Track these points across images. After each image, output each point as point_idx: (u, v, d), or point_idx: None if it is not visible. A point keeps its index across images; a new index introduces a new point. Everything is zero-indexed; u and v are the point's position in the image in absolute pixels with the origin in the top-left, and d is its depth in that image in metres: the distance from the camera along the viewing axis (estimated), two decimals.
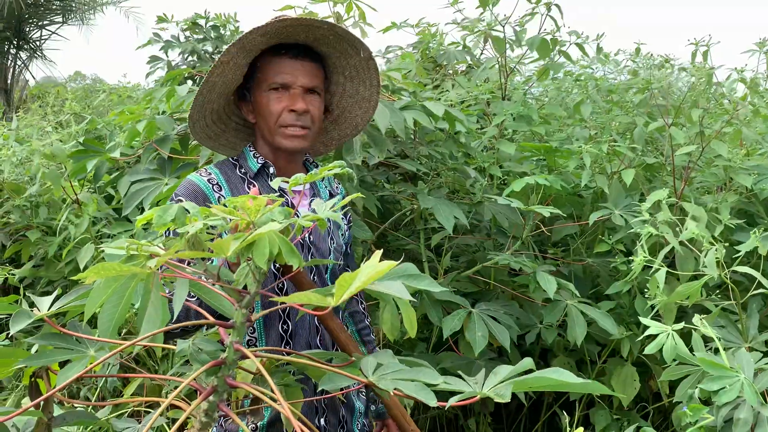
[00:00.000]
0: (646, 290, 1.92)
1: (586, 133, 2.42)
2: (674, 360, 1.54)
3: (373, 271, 0.77)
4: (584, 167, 2.28)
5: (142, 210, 2.37)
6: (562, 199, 2.53)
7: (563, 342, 2.53)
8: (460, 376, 0.99)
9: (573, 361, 2.55)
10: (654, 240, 2.01)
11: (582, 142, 2.34)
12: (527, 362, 0.94)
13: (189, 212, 0.84)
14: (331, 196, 1.73)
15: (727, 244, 2.08)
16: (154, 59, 4.86)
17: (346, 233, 1.76)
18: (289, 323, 1.57)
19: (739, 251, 1.79)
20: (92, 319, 1.05)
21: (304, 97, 1.55)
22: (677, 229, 1.91)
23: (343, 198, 1.71)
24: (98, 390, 2.57)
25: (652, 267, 2.17)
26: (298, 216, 1.62)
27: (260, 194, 0.95)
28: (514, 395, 2.73)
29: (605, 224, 2.51)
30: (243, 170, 1.61)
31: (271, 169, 1.60)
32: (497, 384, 0.92)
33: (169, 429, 1.20)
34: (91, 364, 1.10)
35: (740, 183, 2.10)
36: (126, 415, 2.58)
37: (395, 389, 0.93)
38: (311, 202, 1.64)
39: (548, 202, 2.45)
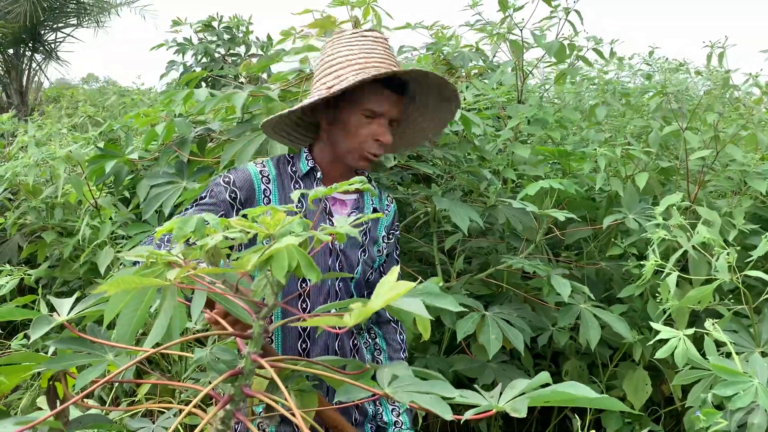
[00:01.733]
0: (657, 294, 1.92)
1: (602, 136, 2.42)
2: (686, 364, 1.54)
3: (391, 293, 0.78)
4: (599, 170, 2.28)
5: (161, 213, 2.39)
6: (576, 203, 2.53)
7: (575, 345, 2.53)
8: (475, 389, 1.00)
9: (585, 364, 2.55)
10: (667, 244, 2.01)
11: (597, 145, 2.33)
12: (544, 377, 0.94)
13: (209, 223, 0.85)
14: (375, 211, 1.76)
15: (740, 249, 2.08)
16: (171, 63, 4.89)
17: (386, 246, 1.79)
18: (308, 342, 1.61)
19: (752, 255, 1.78)
20: (111, 322, 1.07)
21: (389, 128, 1.64)
22: (689, 233, 1.90)
23: (393, 217, 1.81)
24: (113, 391, 2.59)
25: (664, 271, 2.18)
26: (332, 223, 1.65)
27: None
28: None
29: (619, 228, 2.51)
30: (294, 169, 1.68)
31: (318, 174, 1.67)
32: (513, 398, 0.93)
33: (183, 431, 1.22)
34: (109, 369, 1.13)
35: (755, 188, 2.09)
36: (139, 415, 2.61)
37: (411, 402, 0.93)
38: (351, 213, 1.70)
39: (562, 206, 2.45)
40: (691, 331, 1.51)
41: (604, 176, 2.31)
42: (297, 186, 1.66)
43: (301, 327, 1.61)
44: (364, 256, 1.70)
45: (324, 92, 1.56)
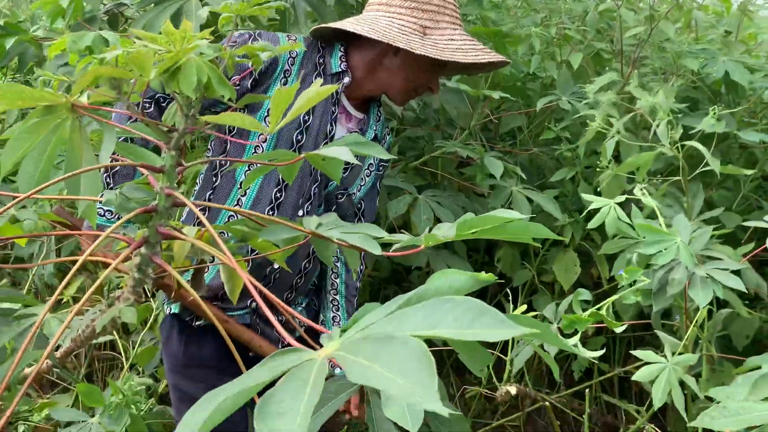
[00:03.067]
0: (596, 178, 1.92)
1: (537, 18, 2.36)
2: (615, 235, 1.55)
3: (314, 94, 0.71)
4: (534, 52, 2.24)
5: None
6: (510, 90, 2.49)
7: None
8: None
9: (517, 252, 2.58)
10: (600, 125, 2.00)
11: (532, 26, 2.28)
12: (469, 215, 0.91)
13: (108, 40, 0.76)
14: (375, 139, 1.70)
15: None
16: None
17: (370, 176, 1.72)
18: (275, 212, 1.55)
19: (688, 130, 1.78)
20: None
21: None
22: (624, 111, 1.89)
23: (387, 149, 1.74)
24: (29, 281, 2.46)
25: (593, 154, 2.18)
26: (333, 127, 1.58)
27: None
28: None
29: (553, 114, 2.50)
30: (322, 61, 1.57)
31: (347, 79, 1.57)
32: (442, 231, 0.89)
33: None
34: (11, 224, 1.04)
35: (687, 66, 2.08)
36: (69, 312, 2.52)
37: (339, 239, 0.89)
38: (352, 131, 1.64)
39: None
40: (622, 198, 1.51)
41: (538, 58, 2.27)
42: (319, 78, 1.55)
43: (275, 195, 1.56)
44: (345, 174, 1.66)
45: (417, 42, 1.47)
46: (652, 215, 1.62)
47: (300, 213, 1.58)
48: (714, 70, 2.04)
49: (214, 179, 1.56)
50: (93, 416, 1.69)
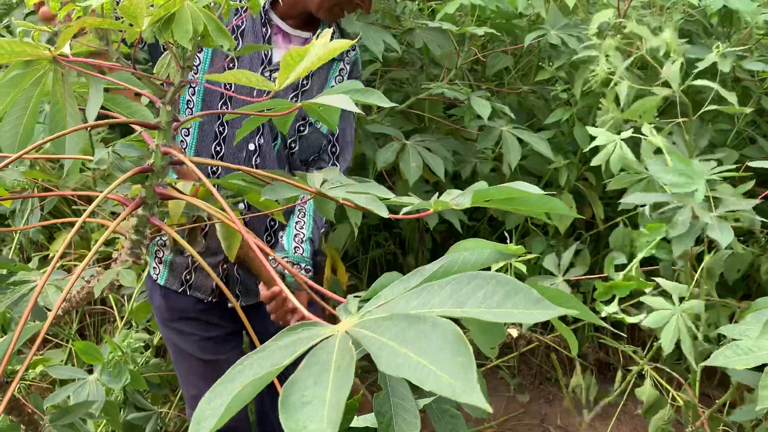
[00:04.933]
0: (593, 118, 1.87)
1: None
2: (621, 170, 1.53)
3: (325, 50, 0.67)
4: None
5: None
6: (497, 27, 2.42)
7: (497, 179, 2.52)
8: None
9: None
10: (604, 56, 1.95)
11: None
12: (482, 184, 0.87)
13: None
14: (331, 60, 1.55)
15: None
16: None
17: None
18: (223, 147, 1.47)
19: (690, 69, 1.74)
20: None
21: None
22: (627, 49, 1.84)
23: (352, 67, 1.59)
24: (15, 242, 2.41)
25: (589, 95, 2.14)
26: (266, 55, 1.45)
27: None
28: (451, 230, 2.76)
29: (542, 53, 2.44)
30: None
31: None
32: (455, 197, 0.86)
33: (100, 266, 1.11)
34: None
35: (684, 0, 2.03)
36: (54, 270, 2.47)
37: (344, 199, 0.85)
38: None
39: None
40: (628, 134, 1.48)
41: None
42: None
43: (215, 150, 1.49)
44: (296, 99, 1.52)
45: None
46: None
47: (251, 147, 1.50)
48: (711, 1, 1.98)
49: None
50: (91, 373, 1.68)
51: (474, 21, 2.25)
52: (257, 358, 0.53)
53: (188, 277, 1.59)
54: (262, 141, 1.50)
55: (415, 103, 2.35)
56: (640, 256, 1.37)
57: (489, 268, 0.66)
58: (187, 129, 1.47)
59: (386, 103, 0.98)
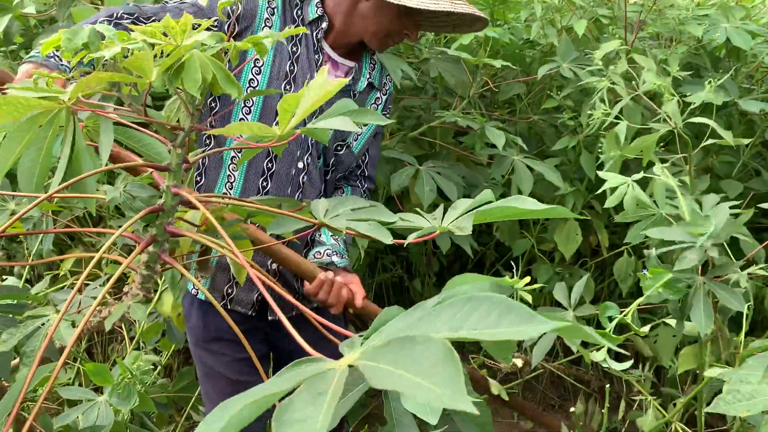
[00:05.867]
0: (598, 147, 1.88)
1: None
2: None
3: (321, 92, 0.69)
4: (534, 19, 2.19)
5: None
6: (510, 58, 2.45)
7: None
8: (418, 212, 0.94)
9: (516, 220, 2.58)
10: (604, 94, 1.97)
11: None
12: (487, 194, 0.89)
13: (104, 36, 0.73)
14: (370, 87, 1.67)
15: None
16: None
17: (365, 128, 1.68)
18: (274, 164, 1.54)
19: (689, 103, 1.75)
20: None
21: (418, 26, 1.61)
22: (634, 82, 1.86)
23: (387, 98, 1.72)
24: (30, 256, 2.44)
25: (597, 122, 2.15)
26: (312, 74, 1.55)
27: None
28: (459, 253, 2.77)
29: (553, 82, 2.46)
30: (300, 12, 1.56)
31: (324, 24, 1.55)
32: (457, 218, 0.88)
33: (111, 298, 1.14)
34: (16, 227, 1.01)
35: (690, 34, 2.05)
36: (65, 289, 2.50)
37: (348, 229, 0.87)
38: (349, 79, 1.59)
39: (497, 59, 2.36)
40: (639, 175, 1.50)
41: (539, 24, 2.23)
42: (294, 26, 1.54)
43: (261, 186, 1.56)
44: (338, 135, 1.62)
45: None
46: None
47: (300, 165, 1.57)
48: (716, 36, 2.00)
49: (203, 160, 1.55)
50: (97, 391, 1.70)
51: (487, 52, 2.28)
52: (260, 386, 0.56)
53: (230, 290, 1.62)
54: (309, 160, 1.59)
55: (426, 130, 2.39)
56: (635, 304, 1.36)
57: None
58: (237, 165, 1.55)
59: (382, 122, 0.99)
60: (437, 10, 1.46)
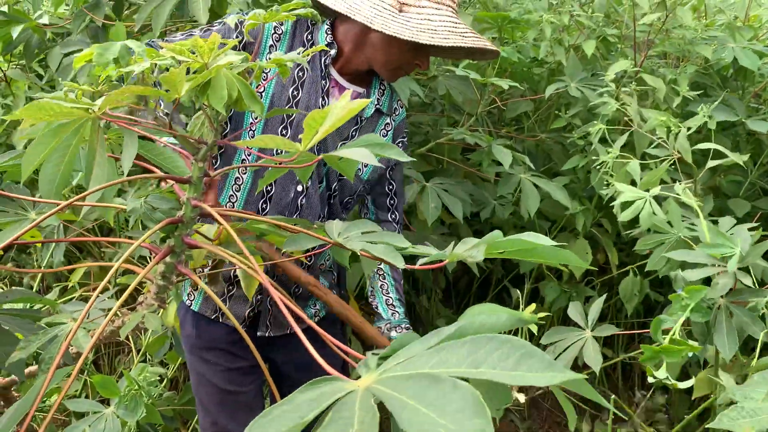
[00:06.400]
0: (600, 167, 1.90)
1: (546, 3, 2.33)
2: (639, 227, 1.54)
3: (344, 111, 0.71)
4: (542, 39, 2.21)
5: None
6: (518, 76, 2.47)
7: (513, 221, 2.55)
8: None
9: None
10: (615, 115, 1.99)
11: (542, 12, 2.25)
12: (496, 234, 0.90)
13: (134, 51, 0.75)
14: (378, 113, 1.66)
15: (681, 118, 2.09)
16: None
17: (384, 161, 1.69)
18: (273, 186, 1.55)
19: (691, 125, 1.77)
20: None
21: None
22: (640, 101, 1.88)
23: (398, 124, 1.69)
24: (40, 261, 2.46)
25: (607, 140, 2.17)
26: (326, 102, 1.56)
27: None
28: (466, 270, 2.78)
29: (560, 100, 2.48)
30: (310, 37, 1.55)
31: (333, 51, 1.55)
32: (469, 249, 0.89)
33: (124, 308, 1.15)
34: (32, 235, 1.03)
35: (698, 54, 2.07)
36: (75, 300, 2.52)
37: (362, 250, 0.89)
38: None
39: (505, 77, 2.39)
40: (656, 190, 1.49)
41: (547, 44, 2.25)
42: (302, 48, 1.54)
43: (261, 207, 1.58)
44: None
45: (387, 19, 1.42)
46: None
47: (299, 188, 1.57)
48: (724, 57, 2.03)
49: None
50: (104, 403, 1.70)
51: (495, 70, 2.30)
52: (283, 410, 0.56)
53: (223, 304, 1.63)
54: (309, 183, 1.58)
55: (434, 146, 2.41)
56: (681, 318, 1.34)
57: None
58: (239, 184, 1.56)
59: (404, 158, 1.02)
60: (438, 45, 1.45)
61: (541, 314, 1.38)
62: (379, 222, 1.75)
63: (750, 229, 1.46)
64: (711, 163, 1.66)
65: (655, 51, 2.32)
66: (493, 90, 2.35)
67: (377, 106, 1.65)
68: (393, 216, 1.76)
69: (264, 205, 1.56)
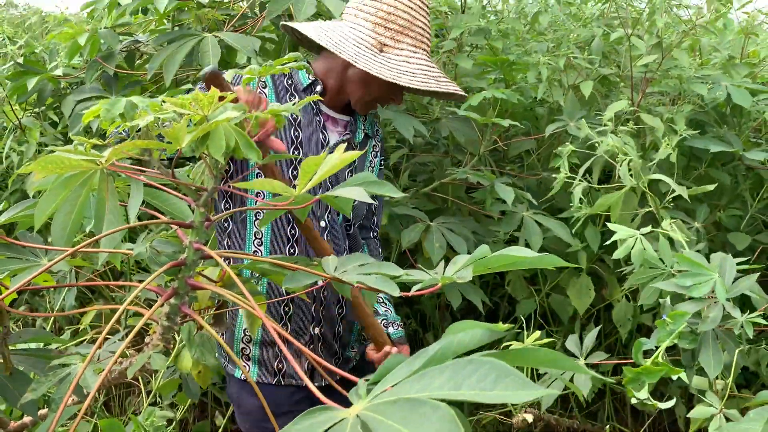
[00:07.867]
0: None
1: (545, 46, 2.40)
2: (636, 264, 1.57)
3: (339, 161, 0.75)
4: (541, 81, 2.27)
5: (89, 131, 2.28)
6: (518, 115, 2.53)
7: None
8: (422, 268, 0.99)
9: (527, 274, 2.61)
10: (611, 152, 2.03)
11: (540, 55, 2.31)
12: (484, 249, 0.94)
13: (138, 106, 0.80)
14: (366, 137, 1.74)
15: (681, 154, 2.13)
16: None
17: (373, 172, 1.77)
18: (296, 248, 1.58)
19: (696, 164, 1.82)
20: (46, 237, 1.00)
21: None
22: (633, 142, 1.93)
23: (381, 143, 1.81)
24: (53, 304, 2.51)
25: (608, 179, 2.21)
26: (325, 136, 1.63)
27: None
28: (472, 307, 2.79)
29: (561, 139, 2.53)
30: (291, 82, 1.61)
31: (319, 87, 1.61)
32: (458, 270, 0.93)
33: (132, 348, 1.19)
34: (45, 280, 1.07)
35: (694, 93, 2.11)
36: (86, 342, 2.55)
37: (358, 282, 0.92)
38: (344, 135, 1.67)
39: (506, 116, 2.44)
40: (647, 229, 1.53)
41: (545, 85, 2.31)
42: (293, 98, 1.60)
43: (289, 252, 1.60)
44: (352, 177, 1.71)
45: (367, 58, 1.49)
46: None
47: (322, 224, 1.62)
48: (718, 95, 2.07)
49: (225, 225, 1.61)
50: None
51: (496, 111, 2.36)
52: None
53: (280, 366, 1.63)
54: (330, 217, 1.63)
55: (438, 186, 2.45)
56: (666, 342, 1.37)
57: (484, 347, 0.73)
58: (262, 232, 1.60)
59: (397, 194, 1.06)
60: (410, 87, 1.52)
61: (534, 336, 1.41)
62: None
63: (743, 263, 1.49)
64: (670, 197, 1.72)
65: (653, 89, 2.37)
66: (494, 130, 2.41)
67: (365, 130, 1.73)
68: (374, 233, 1.84)
69: (292, 250, 1.59)
